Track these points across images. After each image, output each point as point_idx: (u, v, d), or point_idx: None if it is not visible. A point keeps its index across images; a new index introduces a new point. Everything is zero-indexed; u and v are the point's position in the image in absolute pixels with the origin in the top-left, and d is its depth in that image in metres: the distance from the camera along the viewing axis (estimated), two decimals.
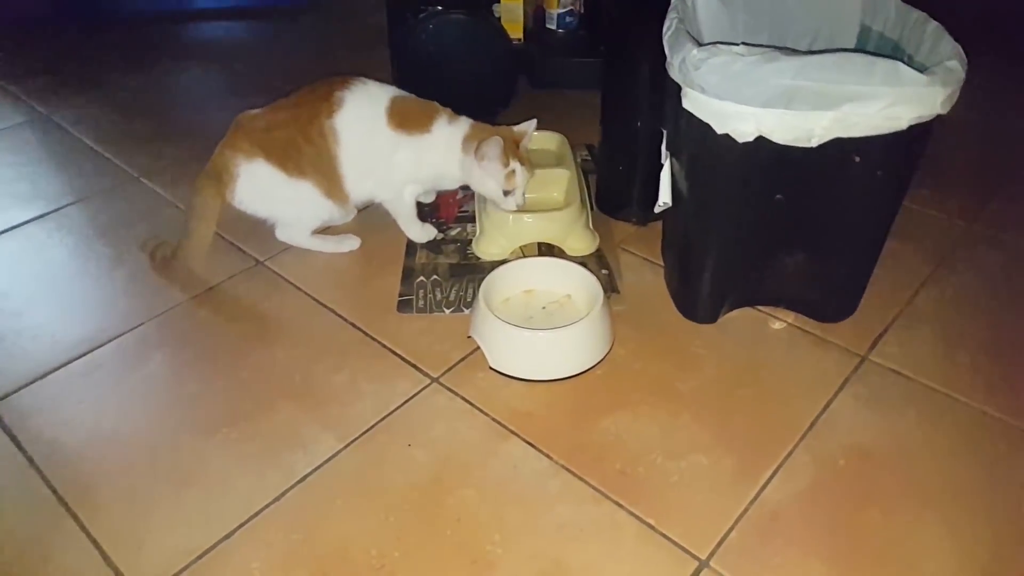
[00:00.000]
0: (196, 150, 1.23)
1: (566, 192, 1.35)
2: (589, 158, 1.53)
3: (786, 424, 0.97)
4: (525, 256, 1.26)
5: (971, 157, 1.53)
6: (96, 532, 0.86)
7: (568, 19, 1.75)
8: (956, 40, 0.89)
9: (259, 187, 1.20)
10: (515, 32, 1.64)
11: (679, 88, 0.92)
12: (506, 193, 1.20)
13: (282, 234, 1.28)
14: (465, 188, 1.42)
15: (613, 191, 1.37)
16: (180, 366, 1.09)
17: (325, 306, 1.18)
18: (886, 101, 0.81)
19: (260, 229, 1.29)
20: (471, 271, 1.24)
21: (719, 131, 0.87)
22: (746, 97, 0.84)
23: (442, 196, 1.42)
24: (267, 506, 0.88)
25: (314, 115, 1.18)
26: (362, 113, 1.20)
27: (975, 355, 1.06)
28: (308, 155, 1.19)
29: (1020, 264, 1.23)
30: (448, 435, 0.97)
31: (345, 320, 1.15)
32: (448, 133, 1.22)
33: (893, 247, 1.12)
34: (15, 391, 1.04)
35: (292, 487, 0.91)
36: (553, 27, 1.75)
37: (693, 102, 0.89)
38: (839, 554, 0.82)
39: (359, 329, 1.13)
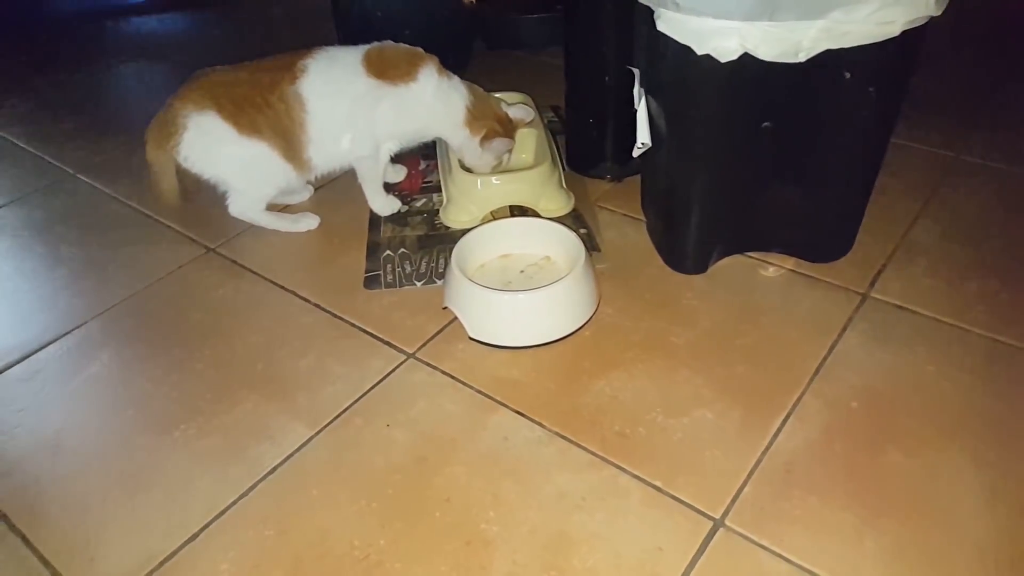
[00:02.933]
0: (136, 144, 1.13)
1: (535, 152, 1.27)
2: (556, 119, 1.45)
3: (791, 370, 0.90)
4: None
5: (947, 88, 1.49)
6: (44, 548, 0.77)
7: None
8: None
9: (208, 143, 1.11)
10: None
11: (651, 13, 0.84)
12: None
13: (235, 207, 1.18)
14: (428, 159, 1.34)
15: (585, 147, 1.29)
16: (129, 364, 0.99)
17: (285, 289, 1.09)
18: (877, 3, 0.74)
19: (210, 215, 1.20)
20: (441, 241, 1.16)
21: (699, 52, 0.80)
22: (726, 10, 0.76)
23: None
24: (234, 503, 0.80)
25: (276, 81, 1.10)
26: (331, 74, 1.11)
27: (980, 283, 1.00)
28: (267, 116, 1.10)
29: (1014, 189, 1.18)
30: (430, 412, 0.88)
31: (308, 302, 1.06)
32: (437, 86, 1.14)
33: (882, 182, 1.06)
34: None
35: (260, 480, 0.82)
36: None
37: (668, 23, 0.81)
38: (864, 500, 0.75)
39: (324, 310, 1.04)
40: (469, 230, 1.09)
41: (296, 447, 0.85)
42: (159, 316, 1.07)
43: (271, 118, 1.10)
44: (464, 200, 1.20)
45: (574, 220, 1.19)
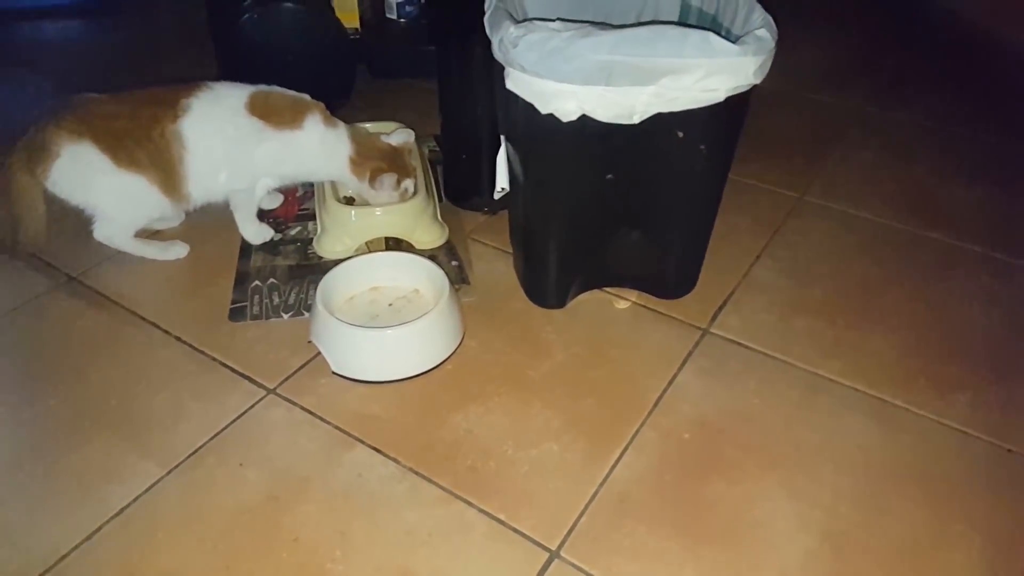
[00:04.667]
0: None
1: None
2: (437, 148, 1.49)
3: (633, 403, 0.97)
4: (371, 252, 1.20)
5: (798, 131, 1.61)
6: None
7: (408, 8, 1.69)
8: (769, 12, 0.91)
9: (81, 173, 1.09)
10: (350, 22, 1.57)
11: (503, 69, 0.89)
12: None
13: (101, 232, 1.15)
14: (306, 185, 1.35)
15: (460, 181, 1.33)
16: None
17: (147, 320, 1.07)
18: (701, 73, 0.82)
19: (74, 241, 1.17)
20: (313, 272, 1.17)
21: (543, 111, 0.85)
22: (566, 74, 0.82)
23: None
24: (76, 547, 0.79)
25: (158, 117, 1.09)
26: (212, 114, 1.12)
27: (808, 320, 1.10)
28: (147, 150, 1.10)
29: (849, 231, 1.29)
30: (285, 449, 0.90)
31: (170, 334, 1.05)
32: (323, 135, 1.16)
33: (729, 221, 1.14)
34: None
35: (106, 523, 0.81)
36: (393, 16, 1.69)
37: (515, 82, 0.86)
38: (687, 527, 0.82)
39: (185, 343, 1.04)
40: (341, 261, 1.11)
41: (145, 488, 0.85)
42: (11, 350, 1.04)
43: (152, 152, 1.10)
44: (338, 231, 1.21)
45: (447, 252, 1.22)
